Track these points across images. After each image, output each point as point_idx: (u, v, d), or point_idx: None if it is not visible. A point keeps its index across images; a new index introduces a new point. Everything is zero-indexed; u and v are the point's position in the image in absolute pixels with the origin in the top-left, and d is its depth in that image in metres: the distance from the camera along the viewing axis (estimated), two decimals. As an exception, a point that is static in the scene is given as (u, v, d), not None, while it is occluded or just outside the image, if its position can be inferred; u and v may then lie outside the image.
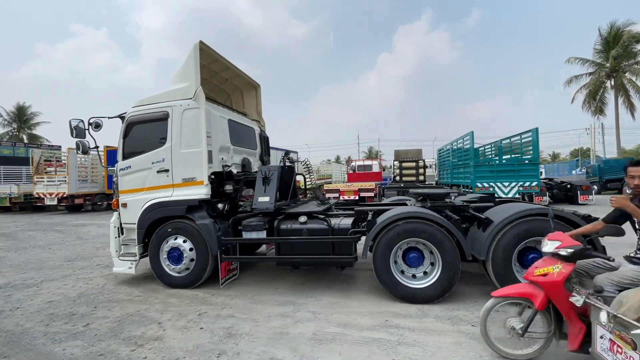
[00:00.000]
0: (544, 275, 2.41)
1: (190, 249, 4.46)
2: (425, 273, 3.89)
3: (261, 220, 4.38)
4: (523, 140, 13.19)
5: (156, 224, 4.63)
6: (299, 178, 16.88)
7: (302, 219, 4.28)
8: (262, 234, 4.34)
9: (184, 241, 4.49)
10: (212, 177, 4.60)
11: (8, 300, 4.23)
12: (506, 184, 12.60)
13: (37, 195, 15.46)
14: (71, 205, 15.61)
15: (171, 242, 4.52)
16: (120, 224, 4.80)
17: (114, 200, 4.89)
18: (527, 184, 12.39)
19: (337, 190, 15.32)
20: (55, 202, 15.33)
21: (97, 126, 4.83)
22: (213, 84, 5.96)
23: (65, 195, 15.10)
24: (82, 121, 4.74)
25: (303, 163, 6.75)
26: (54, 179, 15.38)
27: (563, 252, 2.39)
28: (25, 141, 33.08)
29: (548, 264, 2.46)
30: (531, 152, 12.58)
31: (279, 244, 4.28)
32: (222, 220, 4.62)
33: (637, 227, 2.44)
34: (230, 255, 4.41)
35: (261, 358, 2.71)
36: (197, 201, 4.43)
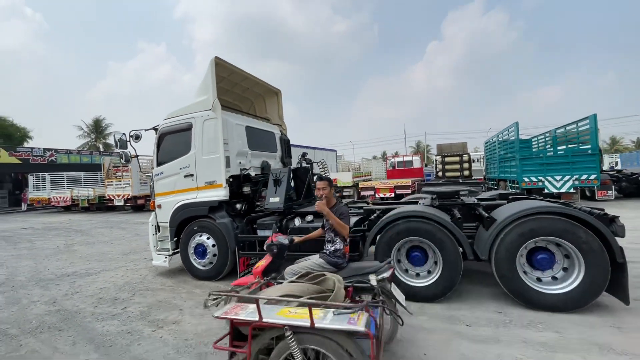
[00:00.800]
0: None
1: (213, 245, 4.97)
2: (429, 272, 3.89)
3: (273, 219, 4.71)
4: (580, 129, 11.91)
5: (185, 223, 5.22)
6: (337, 176, 17.11)
7: (309, 217, 4.53)
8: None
9: (208, 238, 5.01)
10: (231, 179, 5.05)
11: (72, 286, 5.12)
12: (558, 177, 11.50)
13: (108, 197, 17.81)
14: (135, 205, 17.70)
15: (197, 239, 5.08)
16: (157, 222, 5.49)
17: (151, 202, 5.60)
18: (584, 177, 11.17)
19: (373, 188, 15.24)
20: (122, 203, 17.52)
21: (137, 138, 5.58)
22: (236, 94, 6.46)
23: (129, 197, 17.19)
24: (124, 134, 5.50)
25: (319, 163, 6.97)
26: (121, 183, 17.58)
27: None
28: (101, 150, 38.01)
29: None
30: (589, 141, 11.32)
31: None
32: (242, 219, 5.06)
33: (327, 226, 3.22)
34: (246, 252, 4.81)
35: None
36: (216, 202, 4.91)
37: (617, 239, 3.17)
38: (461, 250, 3.66)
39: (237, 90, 6.37)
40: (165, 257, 5.33)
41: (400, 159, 21.69)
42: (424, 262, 3.91)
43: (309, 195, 5.80)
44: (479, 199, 4.68)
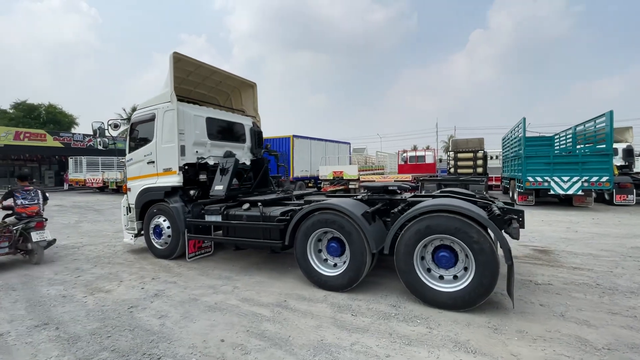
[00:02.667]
0: None
1: (168, 227, 5.41)
2: (345, 262, 4.02)
3: (219, 206, 5.04)
4: (597, 127, 11.03)
5: (148, 205, 5.72)
6: (343, 169, 17.11)
7: (245, 206, 4.80)
8: (219, 218, 5.00)
9: (164, 220, 5.46)
10: (186, 167, 5.44)
11: (55, 255, 5.83)
12: (565, 178, 10.80)
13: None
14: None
15: (155, 221, 5.55)
16: (128, 204, 6.05)
17: (123, 185, 6.16)
18: (594, 179, 10.37)
19: (373, 182, 15.14)
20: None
21: (116, 126, 6.14)
22: (209, 87, 6.81)
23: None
24: (103, 123, 6.08)
25: (281, 155, 7.24)
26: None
27: None
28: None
29: None
30: (605, 140, 10.45)
31: (226, 227, 4.88)
32: (197, 204, 5.45)
33: None
34: (193, 234, 5.19)
35: (154, 313, 3.38)
36: (170, 187, 5.33)
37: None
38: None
39: (209, 83, 6.72)
40: (132, 236, 5.89)
41: (412, 153, 21.16)
42: (340, 253, 4.03)
43: (264, 185, 6.06)
44: (416, 196, 4.66)
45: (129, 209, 6.06)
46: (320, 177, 18.81)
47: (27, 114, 34.00)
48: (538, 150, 11.61)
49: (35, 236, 5.18)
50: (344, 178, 17.68)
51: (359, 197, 4.69)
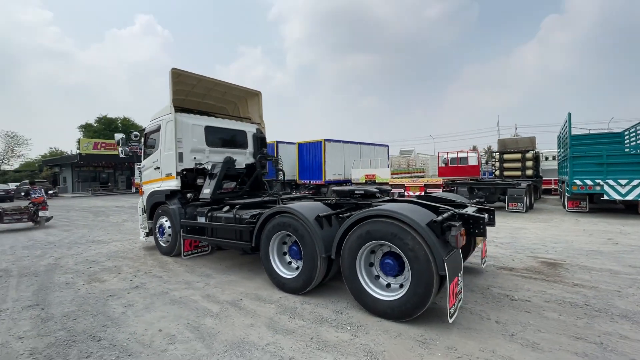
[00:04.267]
0: None
1: (169, 227, 5.97)
2: (301, 265, 4.06)
3: (205, 208, 5.43)
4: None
5: (157, 207, 6.37)
6: (375, 172, 16.97)
7: (225, 208, 5.10)
8: (204, 219, 5.38)
9: (166, 220, 6.04)
10: (184, 172, 5.95)
11: (84, 249, 6.82)
12: (623, 181, 9.30)
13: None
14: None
15: (160, 221, 6.16)
16: (143, 205, 6.80)
17: (139, 189, 6.95)
18: (660, 182, 8.76)
19: (402, 185, 14.61)
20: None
21: (136, 136, 6.98)
22: (216, 97, 7.34)
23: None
24: (124, 135, 6.95)
25: (278, 159, 7.45)
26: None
27: None
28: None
29: None
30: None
31: (209, 228, 5.23)
32: (191, 207, 5.93)
33: None
34: (187, 234, 5.64)
35: (124, 302, 3.81)
36: (169, 191, 5.89)
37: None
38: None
39: (215, 94, 7.24)
40: (144, 235, 6.62)
41: (453, 155, 19.85)
42: (300, 256, 4.08)
43: (258, 188, 6.34)
44: (382, 200, 4.50)
45: (143, 210, 6.81)
46: (352, 181, 18.73)
47: (106, 127, 39.52)
48: (588, 149, 10.11)
49: (40, 213, 10.23)
50: (376, 181, 17.38)
51: (329, 201, 4.69)
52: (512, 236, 7.15)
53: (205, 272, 5.01)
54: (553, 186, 18.42)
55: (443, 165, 19.96)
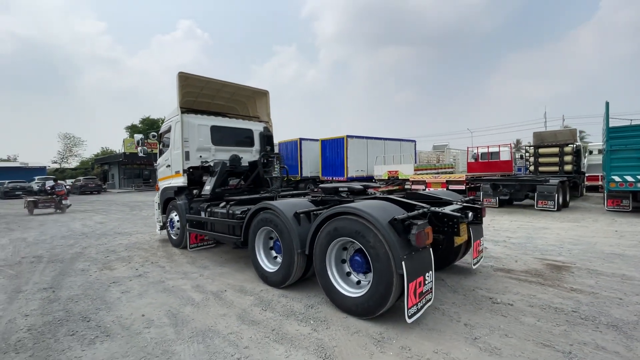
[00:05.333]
0: None
1: (178, 221, 6.39)
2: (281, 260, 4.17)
3: (205, 204, 5.73)
4: None
5: (169, 202, 6.83)
6: (398, 168, 16.72)
7: (222, 204, 5.34)
8: (204, 214, 5.69)
9: (175, 215, 6.46)
10: (190, 170, 6.32)
11: (109, 240, 7.50)
12: (670, 178, 8.25)
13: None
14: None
15: (171, 215, 6.60)
16: (159, 201, 7.31)
17: (156, 185, 7.48)
18: None
19: (423, 182, 14.15)
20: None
21: (154, 137, 7.51)
22: (225, 98, 7.64)
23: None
24: (142, 136, 7.50)
25: (276, 158, 7.61)
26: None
27: None
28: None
29: None
30: None
31: (207, 222, 5.51)
32: (195, 202, 6.28)
33: None
34: (191, 228, 5.99)
35: (123, 289, 4.18)
36: (176, 187, 6.29)
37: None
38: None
39: (224, 95, 7.53)
40: (159, 228, 7.13)
41: (484, 149, 18.76)
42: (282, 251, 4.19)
43: (260, 185, 6.56)
44: (364, 198, 4.45)
45: (159, 205, 7.32)
46: (375, 177, 18.48)
47: (150, 127, 42.44)
48: (629, 142, 9.12)
49: (63, 202, 14.01)
50: (399, 178, 17.01)
51: (317, 198, 4.75)
52: (528, 236, 6.70)
53: (204, 264, 5.31)
54: (600, 182, 16.81)
55: (473, 160, 18.94)
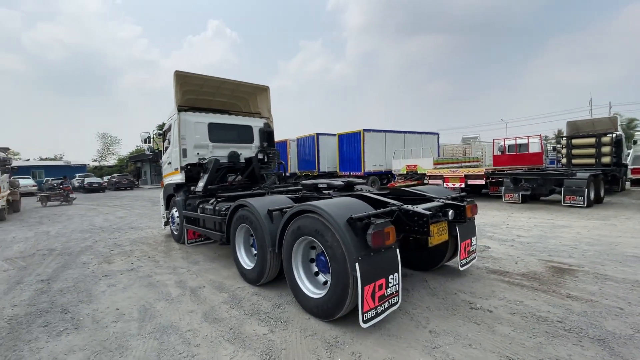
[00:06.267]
0: None
1: (177, 217, 6.56)
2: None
3: (197, 201, 5.83)
4: None
5: (170, 198, 7.04)
6: (417, 162, 16.26)
7: (211, 200, 5.40)
8: (197, 211, 5.78)
9: (175, 211, 6.65)
10: (189, 167, 6.45)
11: (120, 234, 7.89)
12: None
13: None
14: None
15: (172, 211, 6.80)
16: (163, 197, 7.56)
17: (161, 181, 7.73)
18: None
19: (441, 177, 13.52)
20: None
21: (160, 135, 7.77)
22: (226, 95, 7.72)
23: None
24: (149, 133, 7.77)
25: (274, 152, 7.55)
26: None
27: None
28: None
29: None
30: None
31: (199, 219, 5.60)
32: (191, 198, 6.40)
33: None
34: (188, 224, 6.13)
35: (112, 282, 4.36)
36: (175, 184, 6.45)
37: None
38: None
39: (224, 92, 7.60)
40: (164, 224, 7.39)
41: (511, 141, 17.58)
42: (259, 248, 4.15)
43: (255, 181, 6.58)
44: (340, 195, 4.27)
45: (164, 201, 7.58)
46: (393, 172, 17.99)
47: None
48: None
49: (70, 196, 17.30)
50: (418, 172, 16.42)
51: (298, 194, 4.66)
52: (542, 235, 6.18)
53: (196, 259, 5.41)
54: (644, 176, 15.18)
55: (499, 153, 17.87)
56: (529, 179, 10.57)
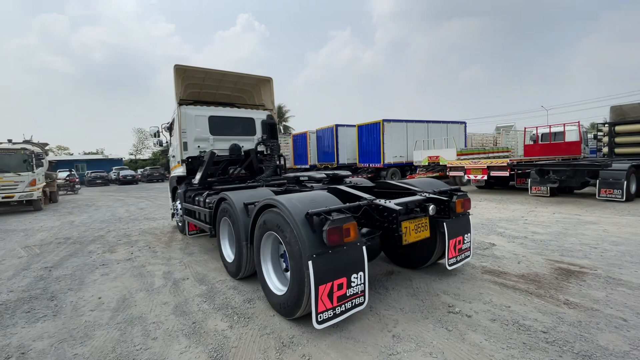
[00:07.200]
0: None
1: (180, 209, 6.72)
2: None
3: (191, 193, 5.90)
4: None
5: (175, 190, 7.22)
6: (439, 153, 15.70)
7: (205, 193, 5.43)
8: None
9: (179, 203, 6.80)
10: (190, 160, 6.55)
11: (135, 224, 8.26)
12: None
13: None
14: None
15: (175, 203, 6.98)
16: (169, 189, 7.78)
17: (169, 174, 7.95)
18: None
19: (462, 168, 12.77)
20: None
21: (167, 129, 7.98)
22: (230, 87, 7.71)
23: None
24: (158, 127, 7.99)
25: (275, 144, 7.36)
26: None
27: None
28: (281, 132, 47.89)
29: None
30: None
31: (195, 211, 5.66)
32: (189, 191, 6.50)
33: None
34: (185, 215, 6.24)
35: (106, 271, 4.53)
36: (177, 176, 6.58)
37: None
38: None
39: (227, 84, 7.59)
40: (171, 215, 7.61)
41: (544, 129, 16.19)
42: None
43: (254, 174, 6.55)
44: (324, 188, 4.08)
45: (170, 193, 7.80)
46: (414, 163, 17.33)
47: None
48: None
49: (76, 186, 21.20)
50: (440, 163, 15.68)
51: (282, 188, 4.54)
52: (561, 233, 5.62)
53: (192, 250, 5.51)
54: None
55: (531, 142, 16.57)
56: (557, 170, 9.67)
